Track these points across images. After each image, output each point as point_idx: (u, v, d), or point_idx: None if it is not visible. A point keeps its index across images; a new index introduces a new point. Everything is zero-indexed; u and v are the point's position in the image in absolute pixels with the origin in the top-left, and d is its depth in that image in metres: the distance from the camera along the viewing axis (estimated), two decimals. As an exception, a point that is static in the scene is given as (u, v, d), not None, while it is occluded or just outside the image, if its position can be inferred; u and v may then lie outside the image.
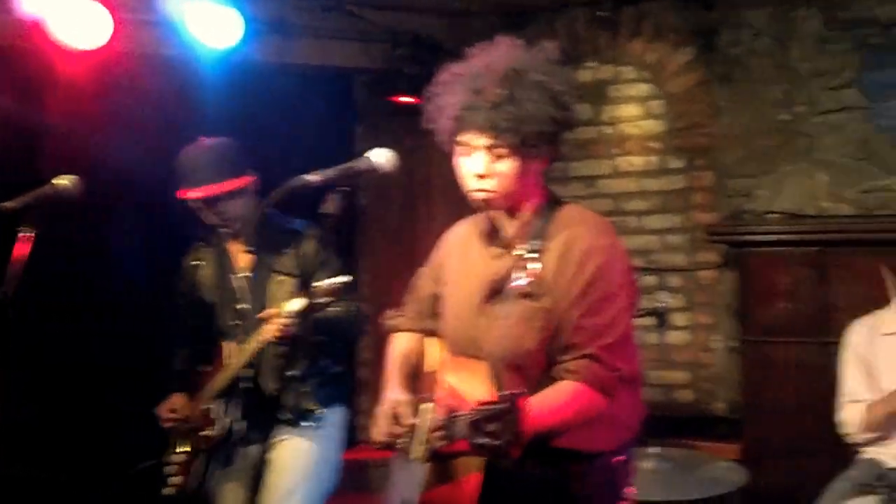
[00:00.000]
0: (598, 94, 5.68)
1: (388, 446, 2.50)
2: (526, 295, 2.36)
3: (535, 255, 2.37)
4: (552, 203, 2.47)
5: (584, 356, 2.31)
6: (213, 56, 4.61)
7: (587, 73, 5.70)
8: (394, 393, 2.56)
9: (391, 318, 2.81)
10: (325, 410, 3.60)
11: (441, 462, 2.43)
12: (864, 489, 3.93)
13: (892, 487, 3.69)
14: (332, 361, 3.69)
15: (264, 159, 3.64)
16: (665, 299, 4.50)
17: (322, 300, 3.26)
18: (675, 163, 5.49)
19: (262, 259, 3.59)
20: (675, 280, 5.51)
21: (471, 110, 2.32)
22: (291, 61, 5.18)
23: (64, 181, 2.83)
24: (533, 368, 2.36)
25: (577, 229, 2.39)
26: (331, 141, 5.60)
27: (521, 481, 2.39)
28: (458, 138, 2.38)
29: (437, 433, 2.34)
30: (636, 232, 5.60)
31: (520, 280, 2.37)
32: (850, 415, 4.17)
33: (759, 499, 4.64)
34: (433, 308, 2.68)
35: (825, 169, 4.99)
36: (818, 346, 4.74)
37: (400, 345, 2.76)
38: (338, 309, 3.50)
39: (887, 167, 4.86)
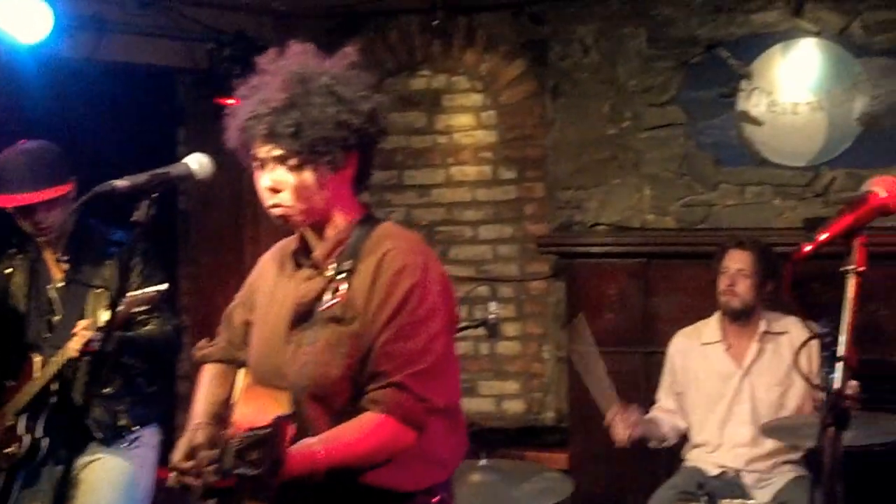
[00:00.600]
0: (432, 102, 5.79)
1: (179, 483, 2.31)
2: (334, 319, 2.23)
3: (345, 276, 2.25)
4: (365, 221, 2.35)
5: (389, 385, 2.18)
6: (22, 51, 4.48)
7: (421, 82, 5.81)
8: (195, 428, 2.41)
9: (201, 348, 2.66)
10: (138, 430, 3.57)
11: (227, 500, 2.23)
12: (685, 497, 4.13)
13: (712, 495, 3.86)
14: (147, 380, 3.66)
15: (83, 163, 3.57)
16: (496, 310, 4.57)
17: (136, 310, 3.23)
18: (507, 174, 5.66)
19: (79, 270, 3.54)
20: (506, 290, 5.67)
21: (254, 120, 2.23)
22: (108, 59, 5.04)
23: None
24: (338, 398, 2.22)
25: (389, 248, 2.26)
26: (153, 143, 5.50)
27: None
28: (252, 152, 2.28)
29: (210, 467, 2.14)
30: (469, 242, 5.75)
31: (328, 303, 2.25)
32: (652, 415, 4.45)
33: (586, 505, 4.87)
34: (245, 337, 2.52)
35: (650, 183, 5.24)
36: (642, 355, 4.98)
37: (208, 377, 2.59)
38: (152, 328, 3.50)
39: (707, 182, 5.14)
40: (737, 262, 4.23)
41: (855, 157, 4.83)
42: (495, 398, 5.72)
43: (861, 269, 1.87)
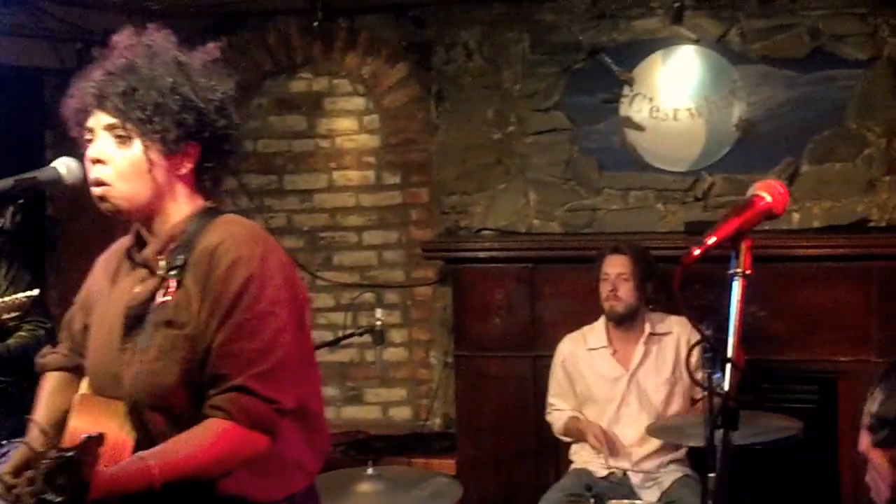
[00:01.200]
0: (313, 106, 5.78)
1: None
2: (166, 321, 2.09)
3: (176, 273, 2.11)
4: (204, 214, 2.19)
5: (231, 389, 2.04)
6: None
7: (301, 84, 5.80)
8: (30, 440, 2.30)
9: (43, 355, 2.51)
10: (7, 444, 3.51)
11: None
12: (574, 499, 4.25)
13: (599, 497, 3.97)
14: (19, 390, 3.60)
15: None
16: (381, 316, 4.56)
17: (5, 317, 3.16)
18: (392, 179, 5.70)
19: None
20: (392, 296, 5.71)
21: (87, 84, 2.14)
22: None
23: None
24: (178, 406, 2.08)
25: (222, 239, 2.10)
26: (19, 146, 5.32)
27: None
28: (84, 125, 2.17)
29: (28, 488, 2.00)
30: (354, 248, 5.76)
31: (159, 304, 2.11)
32: (555, 422, 4.56)
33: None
34: (86, 343, 2.34)
35: (535, 188, 5.34)
36: (529, 359, 5.08)
37: (49, 386, 2.43)
38: (23, 335, 3.47)
39: (590, 188, 5.27)
40: (616, 266, 4.38)
41: (733, 163, 5.04)
42: (382, 405, 5.76)
43: (748, 272, 1.91)
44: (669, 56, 5.12)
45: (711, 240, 1.89)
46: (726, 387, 1.91)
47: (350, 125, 5.74)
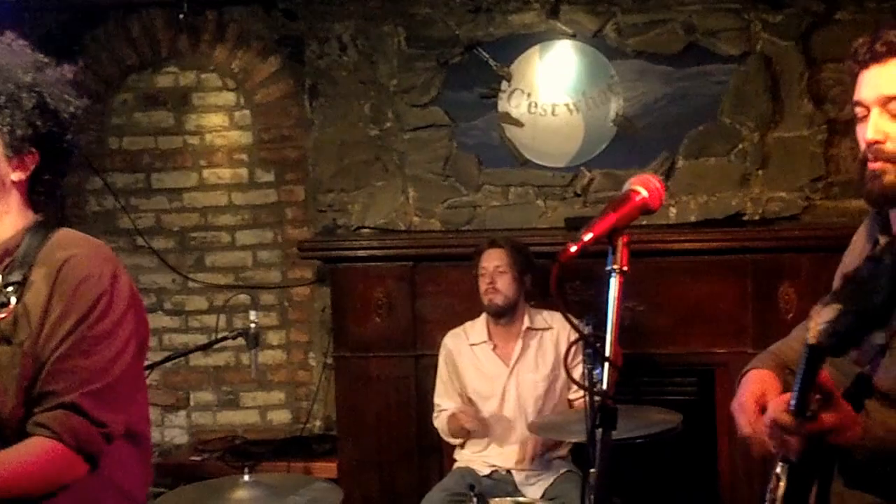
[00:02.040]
0: (180, 101, 5.67)
1: None
2: (3, 338, 2.03)
3: (14, 289, 2.04)
4: (39, 227, 2.15)
5: (60, 406, 1.98)
6: None
7: (167, 79, 5.68)
8: None
9: None
10: None
11: None
12: (456, 498, 4.30)
13: (482, 495, 3.99)
14: None
15: None
16: (256, 319, 4.47)
17: None
18: (265, 176, 5.63)
19: None
20: (268, 298, 5.65)
21: None
22: None
23: None
24: (13, 425, 2.00)
25: (70, 255, 2.07)
26: None
27: None
28: None
29: None
30: (227, 248, 5.68)
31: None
32: (440, 423, 4.58)
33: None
34: None
35: (414, 185, 5.35)
36: (410, 359, 5.11)
37: None
38: None
39: (470, 184, 5.30)
40: (493, 260, 4.44)
41: (611, 158, 5.14)
42: (260, 409, 5.69)
43: (625, 268, 1.90)
44: (547, 51, 5.18)
45: (588, 236, 1.88)
46: (605, 386, 1.93)
47: (220, 121, 5.65)
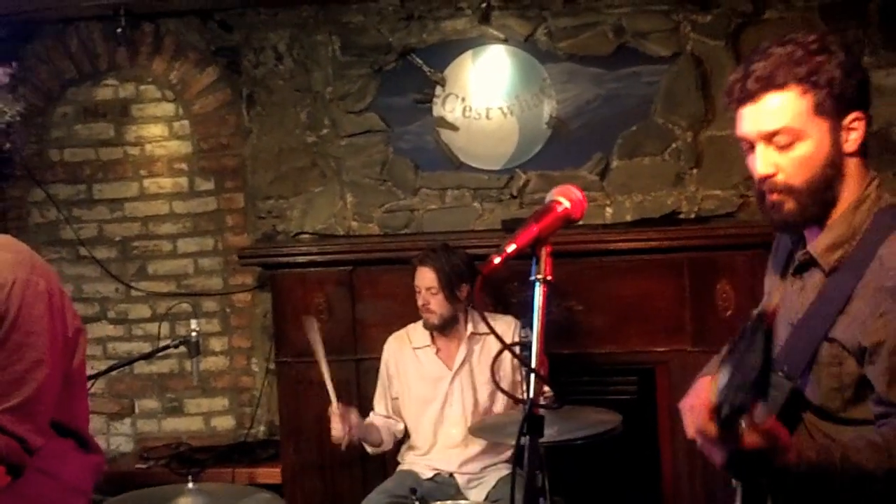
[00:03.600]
0: (120, 113, 4.71)
1: None
2: None
3: None
4: None
5: None
6: None
7: (107, 91, 4.71)
8: None
9: None
10: None
11: None
12: (397, 501, 3.51)
13: (424, 499, 3.29)
14: None
15: None
16: (197, 327, 3.73)
17: None
18: (205, 185, 4.68)
19: None
20: (210, 304, 4.71)
21: None
22: None
23: None
24: None
25: None
26: None
27: None
28: None
29: None
30: (169, 256, 4.73)
31: None
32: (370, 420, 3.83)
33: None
34: None
35: (352, 190, 4.46)
36: (351, 362, 4.21)
37: None
38: None
39: (407, 188, 4.43)
40: (424, 280, 3.63)
41: (546, 160, 4.26)
42: (203, 416, 4.75)
43: (549, 277, 1.66)
44: (479, 56, 4.30)
45: (511, 248, 1.65)
46: (531, 394, 1.66)
47: (160, 131, 4.69)
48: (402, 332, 3.84)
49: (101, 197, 4.72)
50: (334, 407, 3.54)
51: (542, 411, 1.67)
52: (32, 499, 1.83)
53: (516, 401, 3.12)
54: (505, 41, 4.28)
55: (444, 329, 3.69)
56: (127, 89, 4.69)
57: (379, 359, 3.86)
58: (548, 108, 4.25)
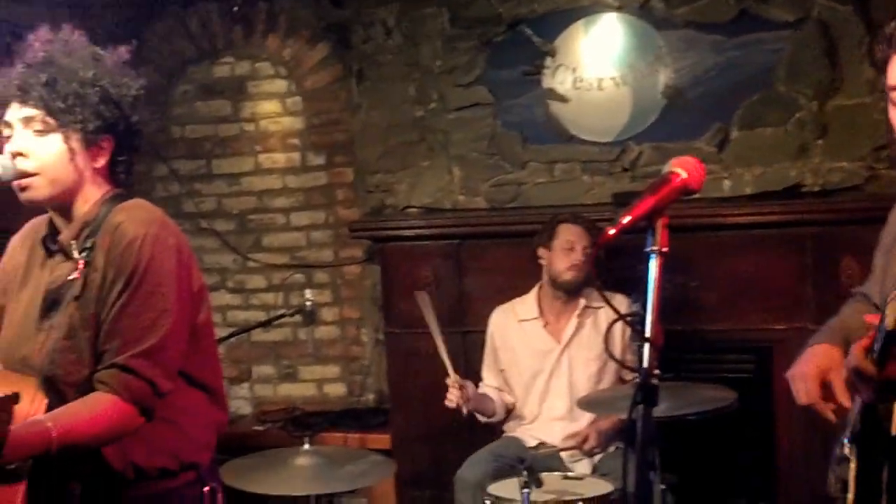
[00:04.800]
0: (236, 90, 4.21)
1: None
2: (76, 298, 1.66)
3: (85, 255, 1.69)
4: (113, 199, 1.74)
5: (114, 366, 1.63)
6: None
7: (224, 69, 4.22)
8: None
9: None
10: None
11: None
12: (504, 469, 2.98)
13: (531, 470, 2.72)
14: None
15: None
16: (312, 297, 3.40)
17: None
18: (316, 160, 4.15)
19: None
20: (322, 276, 4.20)
21: (6, 80, 1.70)
22: None
23: None
24: (88, 381, 1.65)
25: (121, 220, 1.68)
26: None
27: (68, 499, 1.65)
28: (3, 120, 1.71)
29: None
30: (282, 229, 4.23)
31: (71, 286, 1.68)
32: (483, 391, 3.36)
33: (409, 483, 3.66)
34: (1, 321, 1.83)
35: (459, 164, 3.87)
36: (458, 335, 3.63)
37: None
38: None
39: (514, 162, 3.82)
40: (580, 238, 3.14)
41: (661, 131, 3.57)
42: (316, 382, 4.27)
43: (664, 249, 1.41)
44: (591, 24, 3.62)
45: (626, 219, 1.40)
46: (645, 364, 1.40)
47: (273, 108, 4.18)
48: (507, 305, 3.33)
49: (220, 172, 4.25)
50: (452, 378, 3.08)
51: (656, 381, 1.41)
52: (155, 445, 1.70)
53: (629, 369, 2.82)
54: (619, 9, 3.59)
55: (572, 293, 3.18)
56: (243, 67, 4.20)
57: (485, 331, 3.36)
58: (663, 78, 3.54)
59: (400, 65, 3.91)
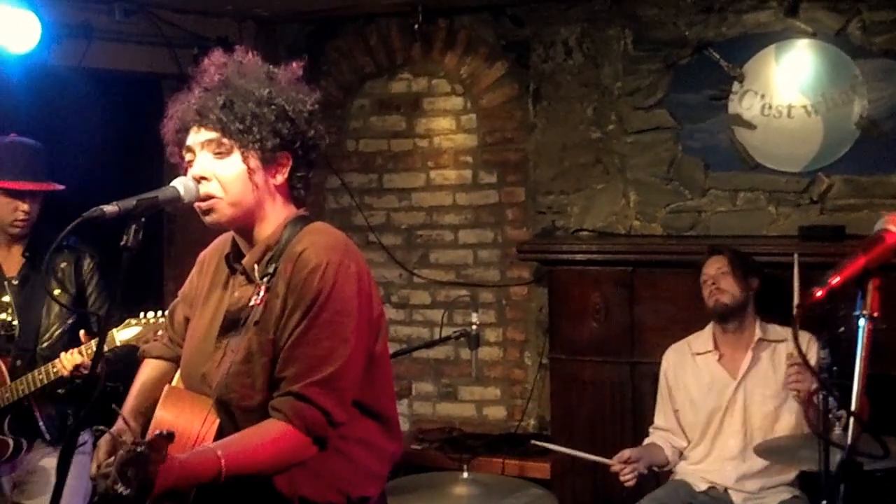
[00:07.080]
0: (412, 106, 4.78)
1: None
2: (256, 326, 1.83)
3: (268, 280, 1.84)
4: (296, 222, 1.90)
5: (289, 394, 1.77)
6: (11, 60, 3.77)
7: (401, 85, 4.81)
8: (114, 430, 1.88)
9: (146, 341, 2.33)
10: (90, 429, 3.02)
11: None
12: None
13: None
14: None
15: (71, 168, 3.30)
16: (476, 320, 3.65)
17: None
18: (488, 178, 4.65)
19: (34, 268, 3.17)
20: (487, 295, 4.68)
21: (186, 104, 1.88)
22: (95, 66, 4.17)
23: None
24: (261, 406, 1.80)
25: (305, 247, 1.82)
26: (140, 148, 4.54)
27: None
28: (184, 145, 1.89)
29: (104, 478, 1.68)
30: (450, 246, 4.75)
31: (252, 310, 1.85)
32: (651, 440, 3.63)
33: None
34: (185, 334, 2.06)
35: (635, 188, 4.26)
36: (625, 365, 4.01)
37: (145, 373, 2.14)
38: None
39: (694, 188, 4.16)
40: (714, 265, 3.45)
41: (853, 164, 3.84)
42: (476, 403, 4.75)
43: (875, 314, 1.47)
44: (783, 50, 3.95)
45: (835, 280, 1.48)
46: (849, 441, 1.48)
47: (448, 125, 4.72)
48: (681, 342, 3.60)
49: (391, 186, 4.82)
50: (613, 461, 3.44)
51: (861, 460, 1.47)
52: (325, 477, 1.83)
53: (834, 445, 2.66)
54: (813, 35, 3.90)
55: (732, 316, 3.44)
56: (420, 83, 4.76)
57: (655, 363, 3.64)
58: (857, 108, 3.82)
59: (578, 85, 4.35)
